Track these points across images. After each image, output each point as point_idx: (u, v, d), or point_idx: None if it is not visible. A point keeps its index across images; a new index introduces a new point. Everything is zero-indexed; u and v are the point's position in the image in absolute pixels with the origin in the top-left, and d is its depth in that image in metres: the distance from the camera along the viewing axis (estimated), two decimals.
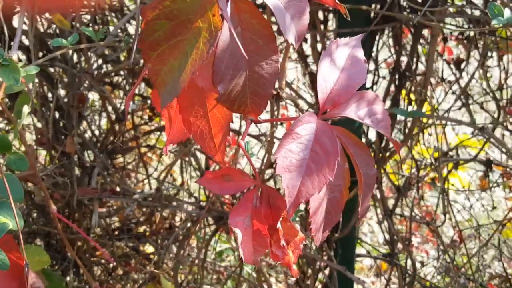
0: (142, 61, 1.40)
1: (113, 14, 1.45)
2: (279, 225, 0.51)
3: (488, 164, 1.68)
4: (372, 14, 1.30)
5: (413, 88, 1.35)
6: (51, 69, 1.49)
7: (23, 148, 1.60)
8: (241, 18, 0.45)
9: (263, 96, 0.49)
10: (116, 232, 1.77)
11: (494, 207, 1.81)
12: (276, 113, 1.29)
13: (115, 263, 1.60)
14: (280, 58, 0.48)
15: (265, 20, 0.46)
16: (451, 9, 1.33)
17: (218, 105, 0.53)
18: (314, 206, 0.52)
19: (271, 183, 1.56)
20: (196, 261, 1.67)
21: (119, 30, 1.20)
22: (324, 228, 0.54)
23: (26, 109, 0.86)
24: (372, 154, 1.38)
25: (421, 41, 1.43)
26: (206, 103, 0.53)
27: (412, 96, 1.42)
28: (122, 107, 1.55)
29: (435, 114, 1.17)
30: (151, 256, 1.84)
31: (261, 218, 0.52)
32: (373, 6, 1.28)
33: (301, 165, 0.50)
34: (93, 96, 1.81)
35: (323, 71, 0.54)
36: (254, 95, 0.48)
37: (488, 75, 1.65)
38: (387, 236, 1.59)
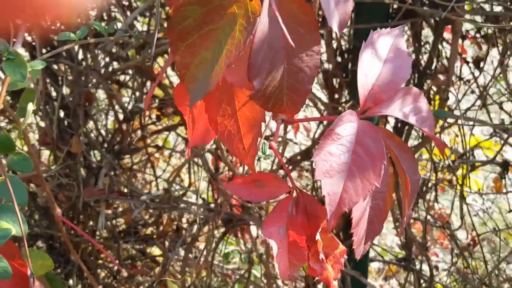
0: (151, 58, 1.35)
1: (118, 11, 1.41)
2: (318, 236, 0.46)
3: (505, 165, 1.63)
4: (390, 10, 1.25)
5: (433, 87, 1.30)
6: (55, 67, 1.44)
7: (26, 148, 1.55)
8: (281, 3, 0.39)
9: (302, 92, 0.43)
10: (122, 234, 1.73)
11: (510, 210, 1.76)
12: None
13: (119, 267, 1.55)
14: (320, 50, 0.43)
15: (307, 5, 0.41)
16: (466, 6, 1.28)
17: (248, 103, 0.48)
18: (357, 215, 0.47)
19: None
20: (204, 264, 1.62)
21: (128, 26, 1.15)
22: (366, 240, 0.49)
23: (30, 106, 0.82)
24: None
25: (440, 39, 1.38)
26: (234, 101, 0.48)
27: (431, 96, 1.37)
28: (130, 106, 1.50)
29: (459, 114, 1.12)
30: (158, 259, 1.79)
31: (297, 229, 0.47)
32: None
33: (343, 169, 0.45)
34: (99, 95, 1.76)
35: (364, 64, 0.49)
36: (291, 92, 0.43)
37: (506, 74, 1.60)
38: (402, 240, 1.54)
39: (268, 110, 0.44)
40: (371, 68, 0.49)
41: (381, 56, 0.50)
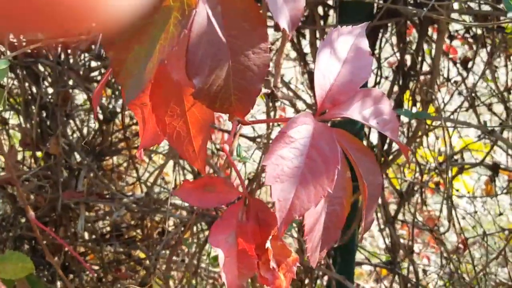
0: None
1: None
2: (268, 244, 0.44)
3: (495, 168, 1.61)
4: (375, 10, 1.23)
5: (417, 89, 1.27)
6: (40, 67, 1.42)
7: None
8: None
9: (250, 92, 0.41)
10: (107, 237, 1.70)
11: (500, 214, 1.74)
12: (272, 114, 1.21)
13: (93, 273, 1.53)
14: (268, 48, 0.40)
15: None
16: (456, 5, 1.26)
17: (198, 103, 0.45)
18: (310, 222, 0.44)
19: (268, 190, 1.48)
20: (189, 267, 1.59)
21: None
22: (322, 247, 0.46)
23: None
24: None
25: (426, 39, 1.36)
26: (183, 101, 0.45)
27: (417, 97, 1.35)
28: (110, 106, 1.47)
29: (441, 116, 1.09)
30: (143, 262, 1.77)
31: (247, 236, 0.44)
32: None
33: (295, 174, 0.42)
34: (83, 95, 1.74)
35: (322, 64, 0.46)
36: (239, 91, 0.40)
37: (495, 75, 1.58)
38: (388, 243, 1.52)
39: (215, 110, 0.42)
40: (329, 68, 0.47)
41: (340, 56, 0.47)
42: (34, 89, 1.44)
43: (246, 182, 1.32)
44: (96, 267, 1.70)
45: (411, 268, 1.56)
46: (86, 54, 1.41)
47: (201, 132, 0.46)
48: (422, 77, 1.31)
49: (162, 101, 0.44)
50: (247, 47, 0.39)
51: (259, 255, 0.45)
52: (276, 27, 1.09)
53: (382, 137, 1.35)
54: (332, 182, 0.42)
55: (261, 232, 0.45)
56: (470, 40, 1.52)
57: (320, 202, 0.42)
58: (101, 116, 1.50)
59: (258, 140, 1.50)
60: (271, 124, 1.26)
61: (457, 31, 1.55)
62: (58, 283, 1.63)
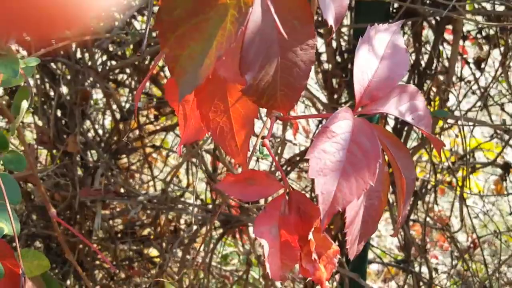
0: (148, 57, 1.34)
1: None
2: (310, 236, 0.45)
3: (507, 167, 1.62)
4: (391, 9, 1.24)
5: (433, 88, 1.28)
6: (53, 65, 1.43)
7: (22, 147, 1.54)
8: None
9: (296, 88, 0.42)
10: (120, 235, 1.71)
11: (511, 213, 1.75)
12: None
13: (114, 269, 1.54)
14: (315, 45, 0.41)
15: None
16: (467, 6, 1.27)
17: (241, 99, 0.46)
18: (351, 214, 0.46)
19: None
20: (202, 265, 1.60)
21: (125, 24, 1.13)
22: (360, 239, 0.47)
23: (25, 104, 0.81)
24: None
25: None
26: (227, 97, 0.47)
27: (431, 96, 1.36)
28: (127, 105, 1.49)
29: (460, 115, 1.10)
30: (155, 260, 1.78)
31: (290, 228, 0.46)
32: None
33: (337, 167, 0.43)
34: (96, 94, 1.75)
35: (361, 61, 0.48)
36: (285, 87, 0.42)
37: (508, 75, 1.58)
38: (402, 242, 1.53)
39: (261, 106, 0.43)
40: (367, 65, 0.48)
41: (378, 52, 0.49)
42: (49, 88, 1.46)
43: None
44: (112, 264, 1.71)
45: (423, 267, 1.58)
46: (102, 53, 1.43)
47: (244, 128, 0.47)
48: (439, 77, 1.32)
49: (207, 97, 0.46)
50: (296, 44, 0.40)
51: (301, 247, 0.46)
52: None
53: (396, 135, 1.36)
54: (373, 176, 0.43)
55: (303, 224, 0.46)
56: (482, 40, 1.53)
57: (361, 196, 0.44)
58: (114, 115, 1.52)
59: (271, 139, 1.51)
60: (287, 125, 1.27)
61: (469, 31, 1.56)
62: (68, 282, 1.64)
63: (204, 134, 0.49)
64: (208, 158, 1.66)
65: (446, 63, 1.32)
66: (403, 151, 0.48)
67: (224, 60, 0.40)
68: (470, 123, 1.13)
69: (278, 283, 2.04)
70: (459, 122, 1.10)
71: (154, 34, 1.19)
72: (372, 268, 2.44)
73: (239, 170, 1.50)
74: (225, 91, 0.46)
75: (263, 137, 0.50)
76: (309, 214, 0.46)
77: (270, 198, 0.50)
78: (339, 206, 0.43)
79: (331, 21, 0.40)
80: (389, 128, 1.42)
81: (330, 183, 0.43)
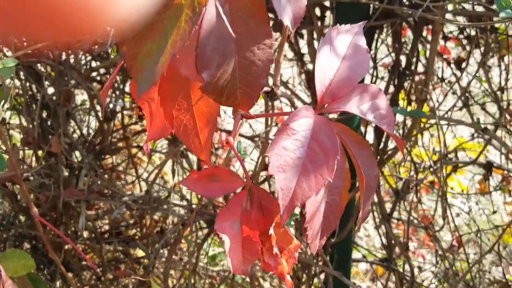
0: None
1: None
2: (271, 231, 0.46)
3: (489, 167, 1.64)
4: (371, 11, 1.25)
5: (412, 88, 1.30)
6: (39, 66, 1.44)
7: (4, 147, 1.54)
8: None
9: (255, 86, 0.43)
10: (106, 235, 1.72)
11: (494, 212, 1.77)
12: (270, 112, 1.23)
13: (96, 269, 1.54)
14: (274, 46, 0.42)
15: None
16: (450, 6, 1.29)
17: (204, 97, 0.47)
18: (310, 210, 0.47)
19: (265, 187, 1.51)
20: (188, 266, 1.61)
21: None
22: (321, 235, 0.48)
23: (2, 105, 0.81)
24: None
25: (420, 39, 1.38)
26: (190, 95, 0.48)
27: (412, 96, 1.37)
28: (111, 105, 1.49)
29: (436, 114, 1.12)
30: (142, 260, 1.78)
31: (251, 224, 0.47)
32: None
33: (297, 164, 0.44)
34: (82, 95, 1.75)
35: (322, 60, 0.49)
36: (244, 85, 0.43)
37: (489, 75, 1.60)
38: (384, 241, 1.54)
39: (221, 104, 0.44)
40: (329, 64, 0.49)
41: (339, 52, 0.50)
42: (35, 89, 1.46)
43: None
44: (95, 266, 1.71)
45: (406, 265, 1.59)
46: (86, 54, 1.43)
47: (207, 125, 0.48)
48: (416, 77, 1.33)
49: (170, 95, 0.47)
50: (252, 43, 0.41)
51: (262, 242, 0.47)
52: (275, 27, 1.12)
53: (377, 136, 1.37)
54: (332, 172, 0.44)
55: (265, 219, 0.47)
56: (464, 41, 1.55)
57: (320, 191, 0.45)
58: (98, 115, 1.52)
59: (256, 139, 1.52)
60: (269, 123, 1.28)
61: (451, 32, 1.58)
62: (57, 283, 1.64)
63: (169, 132, 0.50)
64: (193, 157, 1.67)
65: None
66: (364, 149, 0.49)
67: (185, 58, 0.41)
68: (446, 123, 1.15)
69: (265, 283, 2.05)
70: (436, 122, 1.11)
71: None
72: (361, 267, 2.45)
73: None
74: (188, 89, 0.47)
75: (227, 139, 0.51)
76: (270, 210, 0.47)
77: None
78: (298, 201, 0.44)
79: (287, 22, 0.41)
80: (371, 128, 1.43)
81: (290, 179, 0.44)
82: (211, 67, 0.41)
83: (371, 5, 1.21)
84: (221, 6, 0.38)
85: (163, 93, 0.47)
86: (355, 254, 1.86)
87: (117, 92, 1.45)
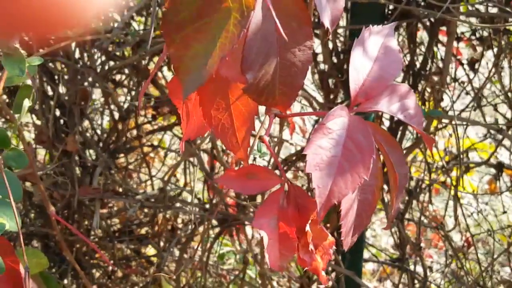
0: (147, 57, 1.36)
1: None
2: (308, 228, 0.47)
3: (500, 167, 1.64)
4: (386, 11, 1.26)
5: (427, 88, 1.31)
6: (52, 65, 1.45)
7: (21, 146, 1.55)
8: None
9: (294, 87, 0.44)
10: (117, 234, 1.73)
11: (504, 212, 1.77)
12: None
13: (114, 267, 1.55)
14: (312, 46, 0.44)
15: (300, 0, 0.42)
16: (462, 8, 1.30)
17: (242, 97, 0.48)
18: (345, 207, 0.48)
19: None
20: (199, 264, 1.62)
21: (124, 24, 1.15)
22: (354, 232, 0.49)
23: (27, 103, 0.82)
24: None
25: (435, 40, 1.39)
26: (228, 95, 0.49)
27: (425, 97, 1.38)
28: (126, 105, 1.50)
29: (453, 114, 1.13)
30: (152, 259, 1.79)
31: (288, 220, 0.48)
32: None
33: (333, 162, 0.46)
34: (95, 94, 1.77)
35: (356, 61, 0.50)
36: (284, 86, 0.44)
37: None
38: (397, 241, 1.55)
39: (261, 103, 0.45)
40: (362, 65, 0.50)
41: (371, 53, 0.51)
42: (49, 88, 1.47)
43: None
44: (106, 264, 1.73)
45: (417, 265, 1.60)
46: (102, 53, 1.44)
47: (245, 124, 0.50)
48: (432, 78, 1.34)
49: (209, 95, 0.48)
50: (294, 44, 0.43)
51: (298, 238, 0.48)
52: None
53: (391, 135, 1.38)
54: (368, 170, 0.45)
55: (300, 216, 0.48)
56: (476, 42, 1.56)
57: (355, 189, 0.46)
58: (113, 114, 1.54)
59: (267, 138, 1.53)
60: (284, 124, 1.29)
61: (463, 33, 1.59)
62: (67, 282, 1.65)
63: (206, 131, 0.52)
64: (205, 157, 1.68)
65: (441, 64, 1.34)
66: (395, 148, 0.50)
67: (226, 60, 0.43)
68: (464, 123, 1.15)
69: (274, 283, 2.06)
70: (453, 122, 1.12)
71: (152, 35, 1.21)
72: (368, 267, 2.46)
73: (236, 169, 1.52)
74: (227, 90, 0.48)
75: (260, 137, 0.52)
76: (306, 207, 0.48)
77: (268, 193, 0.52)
78: (335, 199, 0.45)
79: (327, 23, 0.42)
80: (384, 128, 1.44)
81: (326, 177, 0.45)
82: (254, 68, 0.42)
83: (387, 5, 1.22)
84: (267, 9, 0.39)
85: (202, 93, 0.48)
86: (364, 254, 1.87)
87: (133, 93, 1.47)
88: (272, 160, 1.36)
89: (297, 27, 0.42)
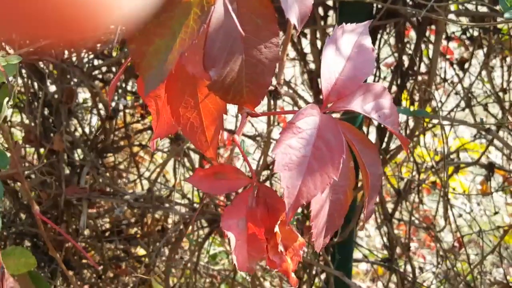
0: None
1: None
2: (277, 228, 0.46)
3: (490, 168, 1.64)
4: (374, 11, 1.25)
5: (415, 88, 1.30)
6: (41, 64, 1.44)
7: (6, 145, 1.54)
8: None
9: (261, 84, 0.43)
10: (107, 234, 1.72)
11: (496, 212, 1.77)
12: (273, 111, 1.24)
13: (97, 267, 1.54)
14: (279, 43, 0.43)
15: None
16: (452, 7, 1.29)
17: (211, 95, 0.47)
18: (315, 208, 0.47)
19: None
20: (189, 265, 1.61)
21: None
22: (326, 233, 0.48)
23: (5, 101, 0.81)
24: None
25: (424, 39, 1.38)
26: (197, 93, 0.48)
27: (414, 96, 1.38)
28: (113, 104, 1.49)
29: (439, 114, 1.12)
30: (143, 259, 1.79)
31: (257, 221, 0.47)
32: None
33: (302, 162, 0.45)
34: (84, 93, 1.76)
35: (328, 60, 0.49)
36: (251, 83, 0.43)
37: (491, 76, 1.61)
38: (385, 241, 1.55)
39: (228, 101, 0.44)
40: (334, 63, 0.50)
41: (344, 52, 0.50)
42: (37, 87, 1.46)
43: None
44: (97, 265, 1.72)
45: (407, 266, 1.59)
46: (89, 52, 1.43)
47: (214, 123, 0.49)
48: (419, 77, 1.33)
49: (177, 93, 0.47)
50: (260, 41, 0.42)
51: (267, 239, 0.47)
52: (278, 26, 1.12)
53: (380, 136, 1.37)
54: (337, 171, 0.44)
55: (270, 217, 0.48)
56: (467, 41, 1.55)
57: (325, 190, 0.45)
58: (100, 113, 1.53)
59: (258, 138, 1.52)
60: (272, 122, 1.28)
61: (453, 32, 1.58)
62: (58, 281, 1.64)
63: (176, 129, 0.51)
64: (195, 157, 1.67)
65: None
66: (369, 148, 0.50)
67: (192, 56, 0.42)
68: (449, 123, 1.15)
69: (266, 283, 2.05)
70: (439, 122, 1.11)
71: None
72: (361, 267, 2.45)
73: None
74: (195, 87, 0.48)
75: (232, 137, 0.51)
76: (276, 208, 0.47)
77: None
78: (304, 200, 0.44)
79: (294, 21, 0.41)
80: (373, 128, 1.43)
81: (295, 178, 0.44)
82: (218, 65, 0.41)
83: (375, 5, 1.21)
84: (229, 4, 0.39)
85: (170, 91, 0.47)
86: (356, 254, 1.86)
87: (120, 91, 1.46)
88: (262, 159, 1.36)
89: (262, 24, 0.41)
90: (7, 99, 0.83)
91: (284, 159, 0.44)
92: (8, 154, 0.95)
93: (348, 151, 0.48)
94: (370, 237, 2.67)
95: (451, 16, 1.34)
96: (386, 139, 1.38)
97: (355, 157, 0.50)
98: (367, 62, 0.50)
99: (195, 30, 0.37)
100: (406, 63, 1.34)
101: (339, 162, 0.45)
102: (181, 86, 0.47)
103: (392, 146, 1.41)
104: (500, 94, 1.50)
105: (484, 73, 1.50)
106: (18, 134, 1.87)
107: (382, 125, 1.39)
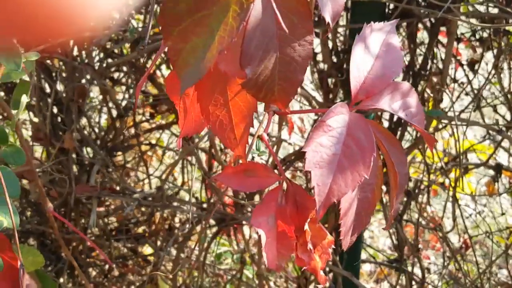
0: (145, 55, 1.35)
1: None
2: (306, 226, 0.46)
3: (498, 169, 1.64)
4: (386, 10, 1.25)
5: (427, 88, 1.30)
6: (49, 62, 1.44)
7: (18, 143, 1.54)
8: None
9: (293, 82, 0.43)
10: (114, 232, 1.72)
11: (503, 213, 1.77)
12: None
13: (111, 264, 1.54)
14: (313, 41, 0.43)
15: None
16: (462, 8, 1.29)
17: (241, 93, 0.48)
18: (345, 206, 0.47)
19: None
20: (196, 264, 1.61)
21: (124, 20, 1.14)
22: (353, 231, 0.49)
23: (24, 98, 0.81)
24: None
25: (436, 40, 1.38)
26: (227, 91, 0.48)
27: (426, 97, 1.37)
28: (124, 103, 1.49)
29: (452, 115, 1.12)
30: (149, 258, 1.79)
31: (286, 219, 0.47)
32: None
33: (333, 160, 0.45)
34: (93, 92, 1.76)
35: (357, 58, 0.49)
36: (283, 81, 0.43)
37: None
38: (395, 242, 1.54)
39: (259, 99, 0.44)
40: (363, 62, 0.50)
41: (373, 50, 0.50)
42: (46, 85, 1.47)
43: None
44: (102, 263, 1.72)
45: (415, 267, 1.59)
46: (100, 51, 1.44)
47: (243, 121, 0.49)
48: (433, 78, 1.33)
49: (207, 91, 0.47)
50: (294, 39, 0.42)
51: (297, 237, 0.47)
52: None
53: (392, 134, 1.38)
54: (368, 169, 0.45)
55: (299, 215, 0.48)
56: (476, 43, 1.55)
57: (355, 188, 0.45)
58: (111, 112, 1.53)
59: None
60: (283, 123, 1.28)
61: (463, 34, 1.58)
62: (61, 280, 1.64)
63: (203, 127, 0.51)
64: (203, 156, 1.67)
65: (440, 65, 1.33)
66: (396, 147, 0.50)
67: (224, 54, 0.42)
68: (464, 123, 1.15)
69: (272, 283, 2.05)
70: (453, 122, 1.11)
71: (151, 32, 1.20)
72: (365, 268, 2.45)
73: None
74: (225, 85, 0.48)
75: (259, 135, 0.51)
76: (305, 206, 0.48)
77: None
78: (334, 197, 0.44)
79: (328, 18, 0.42)
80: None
81: (326, 175, 0.44)
82: (254, 63, 0.41)
83: (387, 5, 1.21)
84: (267, 2, 0.39)
85: (200, 89, 0.47)
86: (361, 255, 1.86)
87: (130, 90, 1.46)
88: (271, 159, 1.36)
89: (297, 21, 0.41)
90: (24, 95, 0.83)
91: (315, 157, 0.44)
92: None
93: (377, 150, 0.48)
94: (373, 238, 2.67)
95: (462, 17, 1.34)
96: (397, 137, 1.38)
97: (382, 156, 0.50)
98: (395, 61, 0.50)
99: (234, 28, 0.37)
100: (417, 64, 1.35)
101: (370, 160, 0.45)
102: (212, 84, 0.47)
103: (403, 145, 1.41)
104: (509, 95, 1.50)
105: (493, 73, 1.50)
106: (25, 132, 1.87)
107: (392, 125, 1.39)
